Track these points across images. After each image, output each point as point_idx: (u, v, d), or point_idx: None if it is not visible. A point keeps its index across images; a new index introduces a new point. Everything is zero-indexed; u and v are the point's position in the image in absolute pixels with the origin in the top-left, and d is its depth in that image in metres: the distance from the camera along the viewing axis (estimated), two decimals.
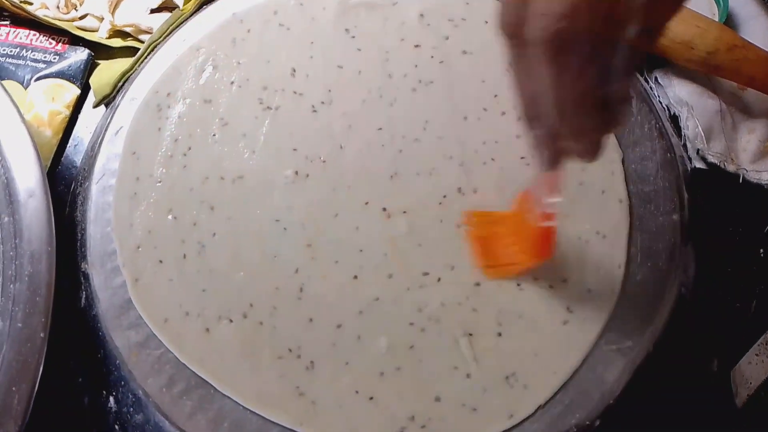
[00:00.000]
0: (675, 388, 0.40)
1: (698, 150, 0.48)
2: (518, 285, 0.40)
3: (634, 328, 0.39)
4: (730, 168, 0.48)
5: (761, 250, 0.47)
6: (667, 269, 0.41)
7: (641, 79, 0.49)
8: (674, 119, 0.49)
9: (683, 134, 0.49)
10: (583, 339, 0.39)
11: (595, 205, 0.42)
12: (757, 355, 0.43)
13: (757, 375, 0.42)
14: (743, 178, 0.48)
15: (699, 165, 0.48)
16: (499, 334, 0.39)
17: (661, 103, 0.50)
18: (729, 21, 0.53)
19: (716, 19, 0.52)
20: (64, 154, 0.51)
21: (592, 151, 0.29)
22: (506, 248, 0.40)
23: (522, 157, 0.44)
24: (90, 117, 0.52)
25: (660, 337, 0.39)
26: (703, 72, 0.50)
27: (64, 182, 0.49)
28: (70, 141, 0.51)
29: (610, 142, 0.44)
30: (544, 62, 0.26)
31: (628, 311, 0.39)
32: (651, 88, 0.51)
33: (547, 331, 0.39)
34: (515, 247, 0.39)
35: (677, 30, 0.48)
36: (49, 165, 0.50)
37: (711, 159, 0.48)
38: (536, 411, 0.37)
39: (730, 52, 0.47)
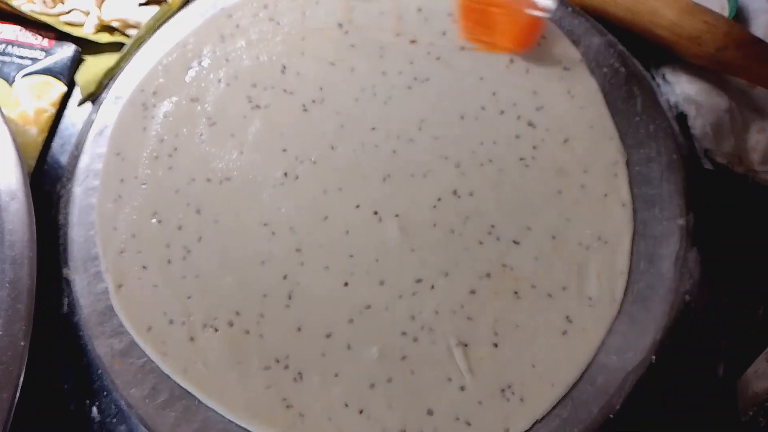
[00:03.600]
0: (678, 402, 0.38)
1: (706, 150, 0.46)
2: (515, 293, 0.38)
3: (635, 338, 0.37)
4: (739, 169, 0.46)
5: None
6: (671, 276, 0.39)
7: (648, 76, 0.47)
8: (681, 119, 0.48)
9: (691, 134, 0.47)
10: (583, 350, 0.37)
11: (597, 209, 0.40)
12: (764, 364, 0.42)
13: (764, 385, 0.41)
14: (752, 179, 0.47)
15: (707, 166, 0.46)
16: (495, 345, 0.37)
17: (668, 101, 0.48)
18: (739, 16, 0.51)
19: (726, 14, 0.50)
20: (50, 153, 0.50)
21: None
22: (493, 26, 0.42)
23: (521, 159, 0.42)
24: (77, 115, 0.51)
25: (663, 347, 0.37)
26: (712, 69, 0.48)
27: (49, 182, 0.48)
28: (56, 139, 0.50)
29: (614, 143, 0.42)
30: None
31: (629, 320, 0.38)
32: (658, 85, 0.49)
33: (545, 342, 0.37)
34: (502, 27, 0.42)
35: (685, 25, 0.46)
36: (34, 164, 0.49)
37: (719, 160, 0.46)
38: (533, 425, 0.36)
39: (739, 48, 0.45)
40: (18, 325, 0.37)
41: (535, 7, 0.38)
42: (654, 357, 0.37)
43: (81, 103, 0.49)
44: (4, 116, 0.42)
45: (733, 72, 0.47)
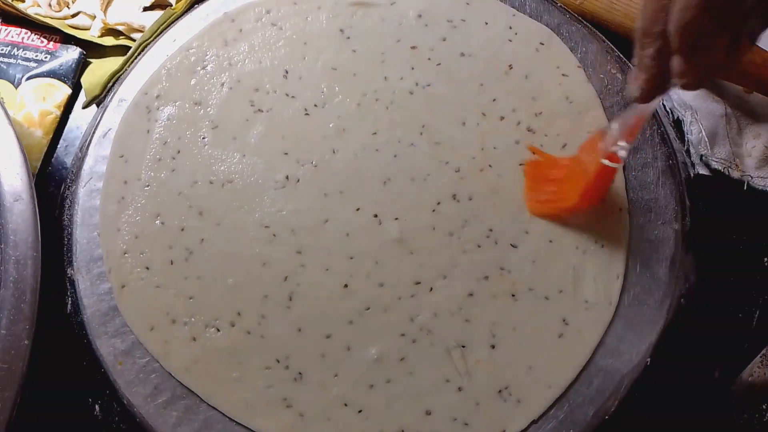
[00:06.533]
0: (673, 404, 0.39)
1: (702, 155, 0.47)
2: (513, 296, 0.39)
3: (631, 341, 0.38)
4: (735, 174, 0.47)
5: (765, 259, 0.46)
6: (667, 280, 0.39)
7: None
8: (677, 124, 0.48)
9: (687, 139, 0.47)
10: (579, 352, 0.38)
11: (594, 213, 0.41)
12: (759, 367, 0.42)
13: (759, 388, 0.41)
14: (748, 184, 0.47)
15: (702, 171, 0.47)
16: (493, 347, 0.38)
17: (664, 106, 0.49)
18: None
19: None
20: (55, 155, 0.50)
21: (698, 76, 0.29)
22: (556, 186, 0.41)
23: (520, 164, 0.43)
24: (81, 117, 0.51)
25: (658, 350, 0.38)
26: None
27: (54, 183, 0.49)
28: (61, 141, 0.51)
29: None
30: None
31: (625, 323, 0.38)
32: None
33: (541, 344, 0.38)
34: (566, 185, 0.40)
35: None
36: (39, 165, 0.49)
37: (715, 165, 0.47)
38: (529, 426, 0.36)
39: None
40: (22, 324, 0.37)
41: (608, 157, 0.36)
42: (649, 360, 0.37)
43: (86, 105, 0.50)
44: (9, 118, 0.43)
45: (729, 78, 0.48)
